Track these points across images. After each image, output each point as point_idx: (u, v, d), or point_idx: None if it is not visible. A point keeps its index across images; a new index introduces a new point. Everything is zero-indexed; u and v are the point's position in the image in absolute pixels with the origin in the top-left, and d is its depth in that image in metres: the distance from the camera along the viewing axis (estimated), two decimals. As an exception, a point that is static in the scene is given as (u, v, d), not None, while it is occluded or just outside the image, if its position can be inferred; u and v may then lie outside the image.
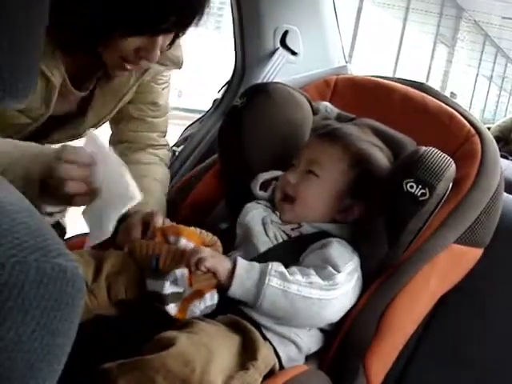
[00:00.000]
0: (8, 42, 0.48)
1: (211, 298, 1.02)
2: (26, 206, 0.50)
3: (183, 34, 1.19)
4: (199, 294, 1.02)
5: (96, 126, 1.40)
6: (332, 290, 1.06)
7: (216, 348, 0.93)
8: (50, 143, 1.48)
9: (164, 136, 1.52)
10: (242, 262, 1.04)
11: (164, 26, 1.09)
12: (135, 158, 1.44)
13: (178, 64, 1.29)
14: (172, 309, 1.01)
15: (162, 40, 1.13)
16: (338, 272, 1.07)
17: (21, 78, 0.50)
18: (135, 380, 0.86)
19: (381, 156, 1.25)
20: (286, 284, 1.02)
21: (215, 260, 1.02)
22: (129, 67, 1.19)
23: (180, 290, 1.01)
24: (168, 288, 1.00)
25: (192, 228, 1.12)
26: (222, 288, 1.02)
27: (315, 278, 1.05)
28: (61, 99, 1.27)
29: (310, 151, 1.24)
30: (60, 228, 1.56)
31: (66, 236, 1.55)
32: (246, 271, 1.03)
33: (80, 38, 1.13)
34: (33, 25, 0.51)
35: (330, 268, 1.08)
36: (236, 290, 1.02)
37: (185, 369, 0.87)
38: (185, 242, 1.07)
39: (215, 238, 1.13)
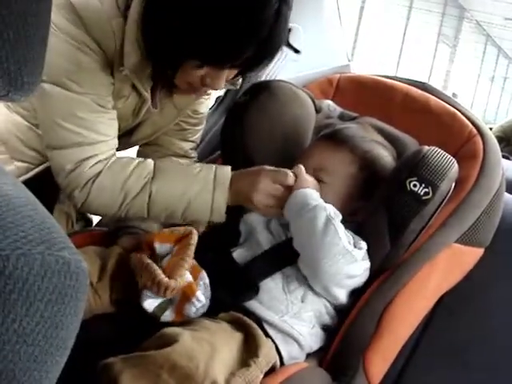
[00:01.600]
0: (14, 35, 0.48)
1: (198, 300, 1.03)
2: (31, 200, 0.50)
3: (253, 70, 1.20)
4: (186, 299, 1.02)
5: (149, 136, 1.41)
6: (358, 250, 1.09)
7: (218, 344, 0.94)
8: None
9: (195, 149, 1.52)
10: None
11: (236, 62, 1.10)
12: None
13: (235, 85, 1.30)
14: (167, 317, 1.02)
15: (228, 72, 1.14)
16: (362, 242, 1.13)
17: (27, 72, 0.50)
18: (139, 374, 0.86)
19: (386, 154, 1.25)
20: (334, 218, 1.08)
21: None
22: (195, 91, 1.23)
23: (161, 300, 1.02)
24: (150, 304, 1.02)
25: (164, 230, 1.16)
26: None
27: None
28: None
29: (316, 157, 1.23)
30: (85, 219, 1.57)
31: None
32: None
33: (158, 63, 1.17)
34: (39, 18, 0.51)
35: (356, 239, 1.13)
36: (298, 195, 1.13)
37: (189, 364, 0.87)
38: (159, 246, 1.12)
39: (189, 228, 1.13)
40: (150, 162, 1.23)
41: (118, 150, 1.37)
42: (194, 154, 1.51)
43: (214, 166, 1.23)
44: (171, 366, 0.87)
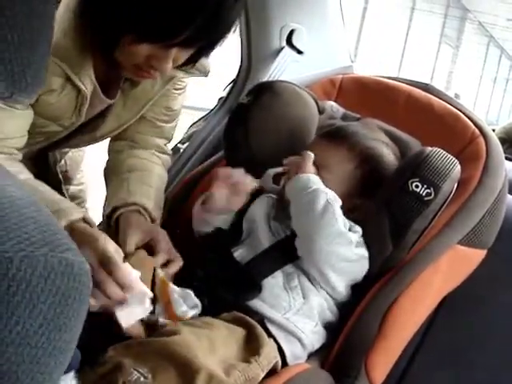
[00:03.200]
0: (18, 38, 0.48)
1: (178, 300, 1.04)
2: (35, 201, 0.50)
3: (205, 53, 1.14)
4: (166, 301, 1.03)
5: (115, 130, 1.39)
6: (352, 232, 1.12)
7: (218, 340, 0.95)
8: (69, 147, 1.48)
9: (169, 143, 1.50)
10: None
11: (176, 40, 1.03)
12: (134, 153, 1.42)
13: (204, 73, 1.27)
14: (163, 322, 1.02)
15: (175, 53, 1.08)
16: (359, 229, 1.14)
17: (30, 73, 0.50)
18: (141, 360, 0.88)
19: (388, 152, 1.25)
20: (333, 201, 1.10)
21: None
22: (145, 74, 1.16)
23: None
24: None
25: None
26: None
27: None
28: (90, 107, 1.26)
29: (316, 154, 1.23)
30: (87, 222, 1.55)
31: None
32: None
33: (97, 38, 1.11)
34: (43, 20, 0.51)
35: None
36: (301, 179, 1.15)
37: (187, 354, 0.89)
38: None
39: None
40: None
41: (84, 145, 1.38)
42: (167, 148, 1.49)
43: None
44: (170, 354, 0.89)
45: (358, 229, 1.14)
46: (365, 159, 1.22)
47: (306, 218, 1.11)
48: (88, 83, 1.18)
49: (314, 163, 1.20)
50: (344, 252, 1.09)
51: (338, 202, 1.12)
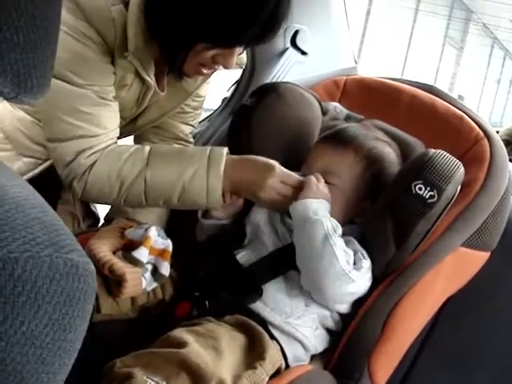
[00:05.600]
0: (24, 38, 0.48)
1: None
2: (40, 202, 0.50)
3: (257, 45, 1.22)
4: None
5: (155, 120, 1.42)
6: (356, 270, 1.08)
7: (223, 350, 0.95)
8: None
9: (193, 132, 1.55)
10: None
11: (245, 39, 1.12)
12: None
13: (241, 64, 1.31)
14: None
15: (239, 48, 1.16)
16: (365, 259, 1.11)
17: (36, 74, 0.50)
18: (152, 369, 0.88)
19: (390, 151, 1.26)
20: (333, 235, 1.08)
21: None
22: (205, 71, 1.22)
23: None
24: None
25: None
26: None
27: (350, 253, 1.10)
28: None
29: (321, 160, 1.23)
30: (93, 217, 1.58)
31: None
32: None
33: (168, 48, 1.18)
34: (49, 21, 0.51)
35: (359, 254, 1.12)
36: (299, 206, 1.13)
37: (199, 362, 0.89)
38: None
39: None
40: (146, 148, 1.23)
41: (123, 136, 1.40)
42: (190, 137, 1.53)
43: (208, 148, 1.23)
44: (182, 362, 0.89)
45: (365, 263, 1.11)
46: (372, 161, 1.22)
47: (306, 258, 1.09)
48: (152, 77, 1.25)
49: (322, 170, 1.20)
50: (347, 290, 1.08)
51: (337, 231, 1.10)
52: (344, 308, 1.13)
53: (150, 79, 1.25)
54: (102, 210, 1.58)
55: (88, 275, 0.48)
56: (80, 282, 0.47)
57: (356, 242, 1.14)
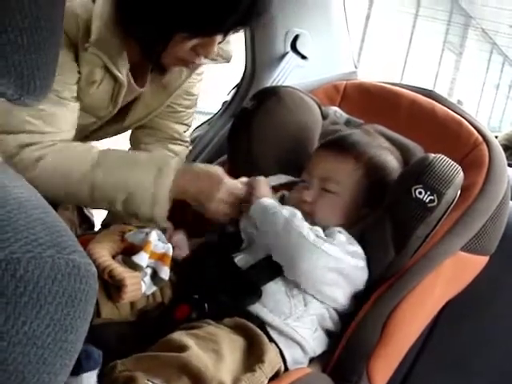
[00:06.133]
0: (28, 40, 0.49)
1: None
2: (42, 203, 0.50)
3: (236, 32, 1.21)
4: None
5: (142, 119, 1.42)
6: (329, 243, 1.08)
7: (224, 353, 0.95)
8: (95, 139, 1.51)
9: (187, 130, 1.54)
10: None
11: (225, 27, 1.12)
12: (149, 148, 1.46)
13: (227, 58, 1.31)
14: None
15: (219, 37, 1.15)
16: (339, 234, 1.12)
17: (39, 76, 0.51)
18: (153, 372, 0.88)
19: (391, 158, 1.26)
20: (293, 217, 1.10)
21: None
22: (189, 63, 1.22)
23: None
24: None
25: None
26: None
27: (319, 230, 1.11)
28: (123, 96, 1.30)
29: (321, 167, 1.23)
30: (89, 223, 1.58)
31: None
32: None
33: (144, 40, 1.17)
34: (52, 23, 0.51)
35: (335, 228, 1.14)
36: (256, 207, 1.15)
37: (199, 364, 0.89)
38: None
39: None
40: (94, 149, 1.21)
41: (112, 135, 1.41)
42: (185, 136, 1.53)
43: (161, 155, 1.24)
44: (183, 365, 0.89)
45: (340, 237, 1.12)
46: (372, 168, 1.22)
47: (276, 246, 1.11)
48: (124, 73, 1.23)
49: (322, 177, 1.21)
50: (326, 263, 1.08)
51: (296, 215, 1.12)
52: (340, 296, 1.13)
53: (121, 75, 1.23)
54: (97, 216, 1.58)
55: (89, 276, 0.48)
56: (81, 282, 0.47)
57: (342, 230, 1.15)
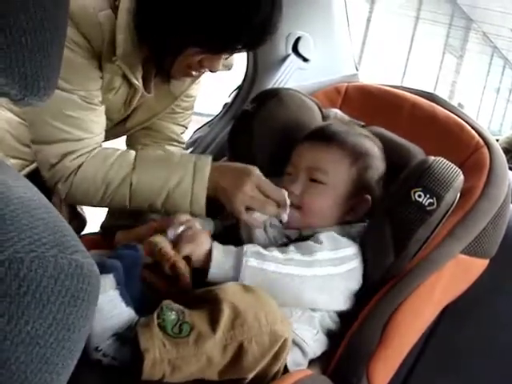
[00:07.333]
0: (32, 41, 0.49)
1: None
2: (45, 203, 0.51)
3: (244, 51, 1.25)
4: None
5: (144, 122, 1.44)
6: (312, 266, 1.07)
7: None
8: None
9: (184, 132, 1.55)
10: (218, 246, 1.07)
11: (235, 46, 1.15)
12: (146, 149, 1.47)
13: (229, 66, 1.33)
14: None
15: (225, 54, 1.19)
16: (320, 246, 1.09)
17: (43, 77, 0.51)
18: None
19: (372, 145, 1.26)
20: (265, 262, 1.04)
21: (192, 246, 1.05)
22: (193, 74, 1.25)
23: None
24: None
25: None
26: (202, 270, 1.05)
27: (294, 254, 1.07)
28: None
29: (307, 158, 1.23)
30: (80, 220, 1.58)
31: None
32: (223, 255, 1.05)
33: (159, 52, 1.21)
34: (56, 23, 0.52)
35: (311, 243, 1.10)
36: (215, 272, 1.04)
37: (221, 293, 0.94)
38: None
39: None
40: (132, 152, 1.25)
41: (113, 138, 1.42)
42: (182, 138, 1.55)
43: (194, 155, 1.25)
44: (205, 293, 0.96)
45: (324, 253, 1.10)
46: (357, 156, 1.22)
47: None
48: (140, 80, 1.27)
49: (309, 168, 1.21)
50: (323, 285, 1.08)
51: (254, 249, 1.07)
52: (340, 302, 1.12)
53: (138, 82, 1.26)
54: (88, 213, 1.59)
55: (92, 276, 0.48)
56: (84, 282, 0.47)
57: (324, 234, 1.14)
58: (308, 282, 1.06)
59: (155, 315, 0.90)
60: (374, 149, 1.26)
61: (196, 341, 0.89)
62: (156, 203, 1.22)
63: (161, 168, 1.22)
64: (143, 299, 1.01)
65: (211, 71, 1.22)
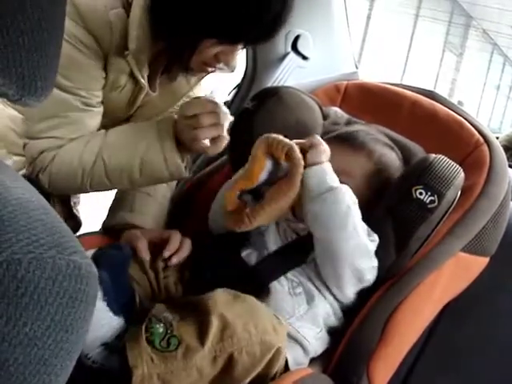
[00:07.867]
0: (29, 41, 0.49)
1: None
2: (43, 203, 0.50)
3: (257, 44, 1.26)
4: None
5: (148, 120, 1.43)
6: (372, 243, 1.10)
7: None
8: None
9: None
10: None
11: (249, 36, 1.15)
12: None
13: (232, 69, 1.33)
14: None
15: (240, 47, 1.19)
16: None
17: (40, 77, 0.51)
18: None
19: (395, 157, 1.26)
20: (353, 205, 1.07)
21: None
22: (208, 69, 1.26)
23: None
24: None
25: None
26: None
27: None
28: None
29: (333, 159, 1.15)
30: (76, 221, 1.57)
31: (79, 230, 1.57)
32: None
33: (176, 46, 1.20)
34: (54, 23, 0.51)
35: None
36: (316, 173, 1.08)
37: (210, 303, 0.96)
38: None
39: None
40: (102, 131, 1.26)
41: None
42: None
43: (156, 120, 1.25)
44: (195, 303, 0.96)
45: (376, 237, 1.11)
46: (382, 167, 1.22)
47: (328, 227, 1.07)
48: (146, 78, 1.27)
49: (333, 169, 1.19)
50: (366, 266, 1.09)
51: (355, 203, 1.08)
52: (351, 294, 1.13)
53: (144, 80, 1.26)
54: (84, 213, 1.59)
55: (90, 277, 0.48)
56: (82, 283, 0.47)
57: None
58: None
59: (143, 328, 0.90)
60: (397, 162, 1.26)
61: (184, 354, 0.89)
62: (134, 174, 1.21)
63: (126, 138, 1.22)
64: (132, 299, 1.02)
65: (226, 65, 1.22)
